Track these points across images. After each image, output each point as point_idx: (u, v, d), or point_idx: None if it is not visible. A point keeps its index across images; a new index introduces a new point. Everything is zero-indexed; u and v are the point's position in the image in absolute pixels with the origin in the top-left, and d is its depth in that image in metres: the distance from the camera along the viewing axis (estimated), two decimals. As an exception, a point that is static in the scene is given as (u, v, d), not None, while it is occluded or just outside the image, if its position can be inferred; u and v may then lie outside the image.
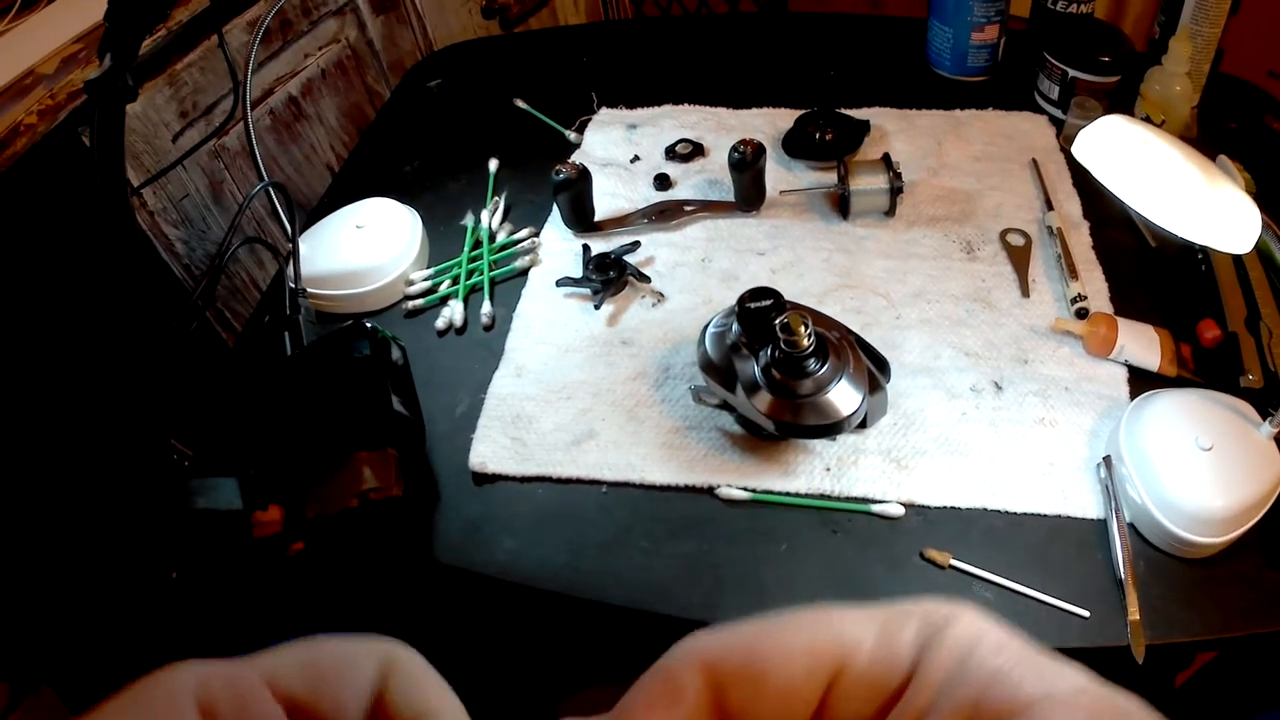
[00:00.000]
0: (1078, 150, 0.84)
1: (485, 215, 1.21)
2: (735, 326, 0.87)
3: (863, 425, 0.88)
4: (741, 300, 0.86)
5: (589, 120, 1.38)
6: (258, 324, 1.21)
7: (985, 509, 0.84)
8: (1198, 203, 0.72)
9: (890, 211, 1.13)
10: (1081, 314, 0.98)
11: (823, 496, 0.87)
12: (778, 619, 0.24)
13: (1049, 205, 1.11)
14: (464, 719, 0.27)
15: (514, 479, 0.92)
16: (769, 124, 1.32)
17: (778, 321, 0.80)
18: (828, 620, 0.23)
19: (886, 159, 1.12)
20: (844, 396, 0.82)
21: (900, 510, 0.84)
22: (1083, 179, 1.15)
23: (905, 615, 0.23)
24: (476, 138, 1.38)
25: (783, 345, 0.81)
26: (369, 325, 0.91)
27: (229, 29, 1.43)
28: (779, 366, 0.83)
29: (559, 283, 1.10)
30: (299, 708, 0.26)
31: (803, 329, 0.80)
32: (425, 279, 1.14)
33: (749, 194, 1.15)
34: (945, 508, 0.85)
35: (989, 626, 0.22)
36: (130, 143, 1.32)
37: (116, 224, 1.00)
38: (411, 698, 0.27)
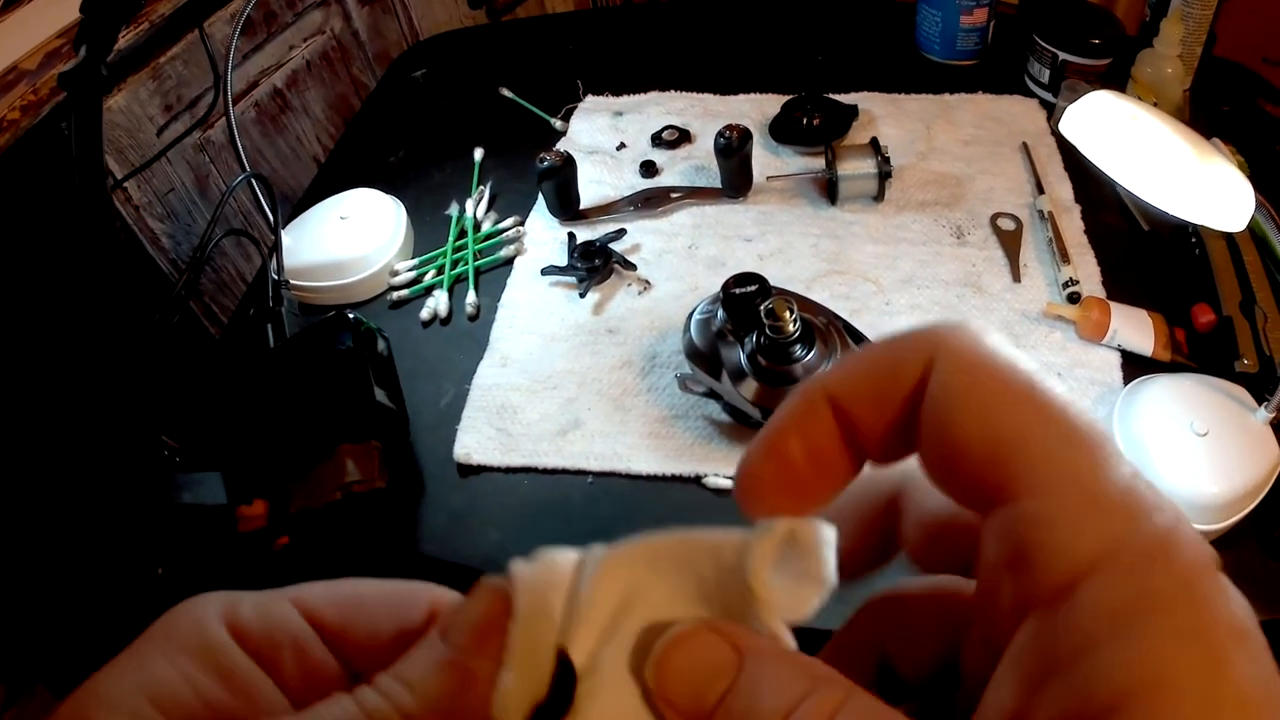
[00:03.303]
0: (1065, 127, 0.83)
1: (470, 204, 1.19)
2: (720, 313, 0.86)
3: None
4: (726, 286, 0.85)
5: (575, 108, 1.36)
6: (243, 317, 1.20)
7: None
8: (1188, 179, 0.71)
9: (879, 196, 1.11)
10: (1073, 298, 0.97)
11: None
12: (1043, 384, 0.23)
13: (1040, 189, 1.10)
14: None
15: (499, 470, 0.91)
16: (756, 109, 1.31)
17: (762, 307, 0.79)
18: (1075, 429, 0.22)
19: (875, 144, 1.10)
20: (832, 383, 0.81)
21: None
22: (1074, 162, 1.13)
23: (1123, 505, 0.20)
24: (462, 127, 1.37)
25: (768, 331, 0.80)
26: (352, 316, 0.90)
27: (213, 21, 1.42)
28: (765, 353, 0.82)
29: (544, 271, 1.09)
30: (330, 633, 0.27)
31: (788, 314, 0.78)
32: (410, 269, 1.12)
33: (736, 180, 1.14)
34: (935, 495, 0.83)
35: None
36: (114, 137, 1.31)
37: (95, 217, 0.99)
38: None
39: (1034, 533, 0.20)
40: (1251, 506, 0.77)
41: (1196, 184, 0.71)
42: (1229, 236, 0.99)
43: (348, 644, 0.27)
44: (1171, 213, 0.72)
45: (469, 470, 0.92)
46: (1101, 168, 0.78)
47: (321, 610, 0.27)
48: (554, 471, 0.90)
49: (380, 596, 0.28)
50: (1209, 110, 1.20)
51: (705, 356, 0.87)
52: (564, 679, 0.25)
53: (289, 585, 0.28)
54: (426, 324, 1.07)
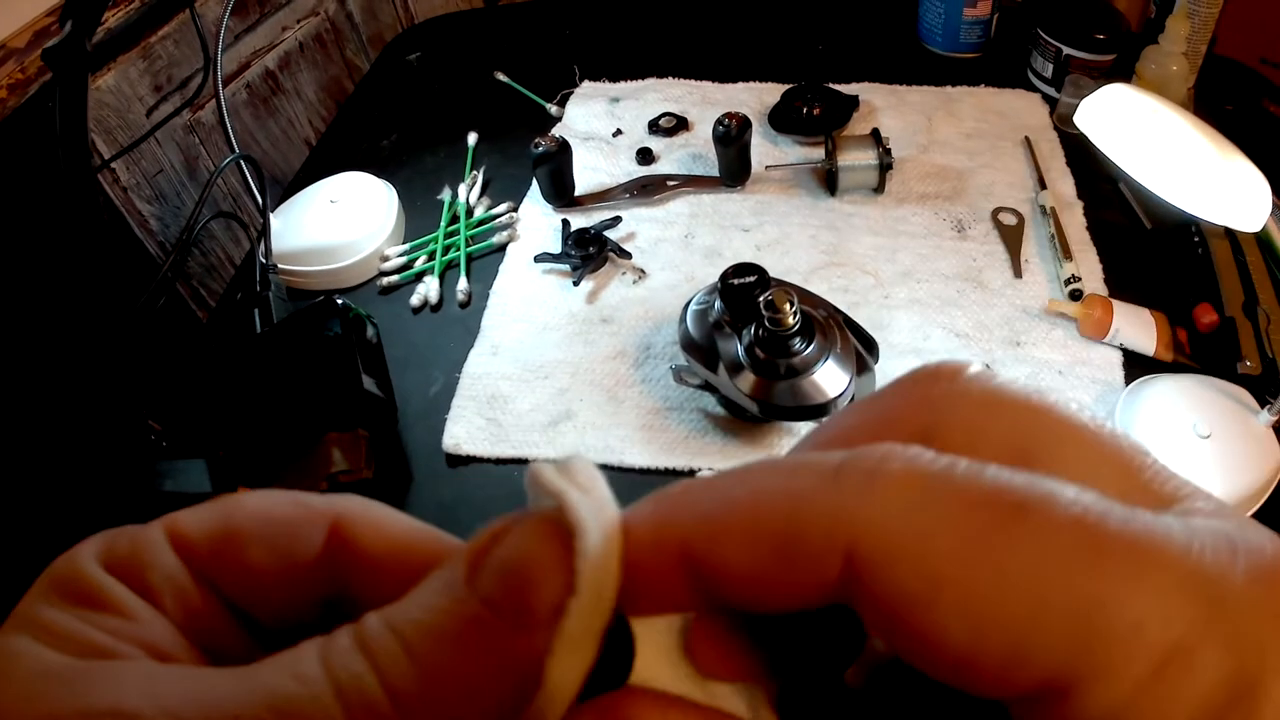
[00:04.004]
0: (1080, 120, 0.82)
1: (463, 190, 1.17)
2: (718, 304, 0.84)
3: (849, 407, 0.86)
4: (725, 276, 0.84)
5: (570, 93, 1.35)
6: (230, 301, 1.18)
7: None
8: (1208, 176, 0.69)
9: (879, 188, 1.10)
10: (1075, 296, 0.96)
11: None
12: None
13: (1042, 184, 1.09)
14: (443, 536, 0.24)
15: (489, 461, 0.89)
16: (755, 98, 1.29)
17: (762, 298, 0.78)
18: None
19: (876, 135, 1.09)
20: (830, 377, 0.79)
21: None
22: (1076, 158, 1.12)
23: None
24: (456, 111, 1.35)
25: (767, 323, 0.78)
26: (340, 302, 0.88)
27: (205, 1, 1.39)
28: (763, 345, 0.80)
29: (537, 259, 1.07)
30: (202, 567, 0.23)
31: (788, 306, 0.77)
32: (400, 255, 1.10)
33: (734, 169, 1.12)
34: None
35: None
36: (103, 117, 1.29)
37: (80, 197, 0.97)
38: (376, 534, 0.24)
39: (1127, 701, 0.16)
40: (1254, 510, 0.76)
41: (1216, 181, 0.69)
42: (1232, 236, 0.98)
43: (223, 582, 0.23)
44: (1188, 210, 0.70)
45: (458, 461, 0.90)
46: (1116, 161, 0.76)
47: (196, 544, 0.23)
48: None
49: (263, 523, 0.23)
50: (1212, 109, 1.19)
51: (701, 348, 0.85)
52: (616, 640, 0.20)
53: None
54: (417, 310, 1.05)
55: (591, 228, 1.08)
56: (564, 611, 0.18)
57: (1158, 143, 0.73)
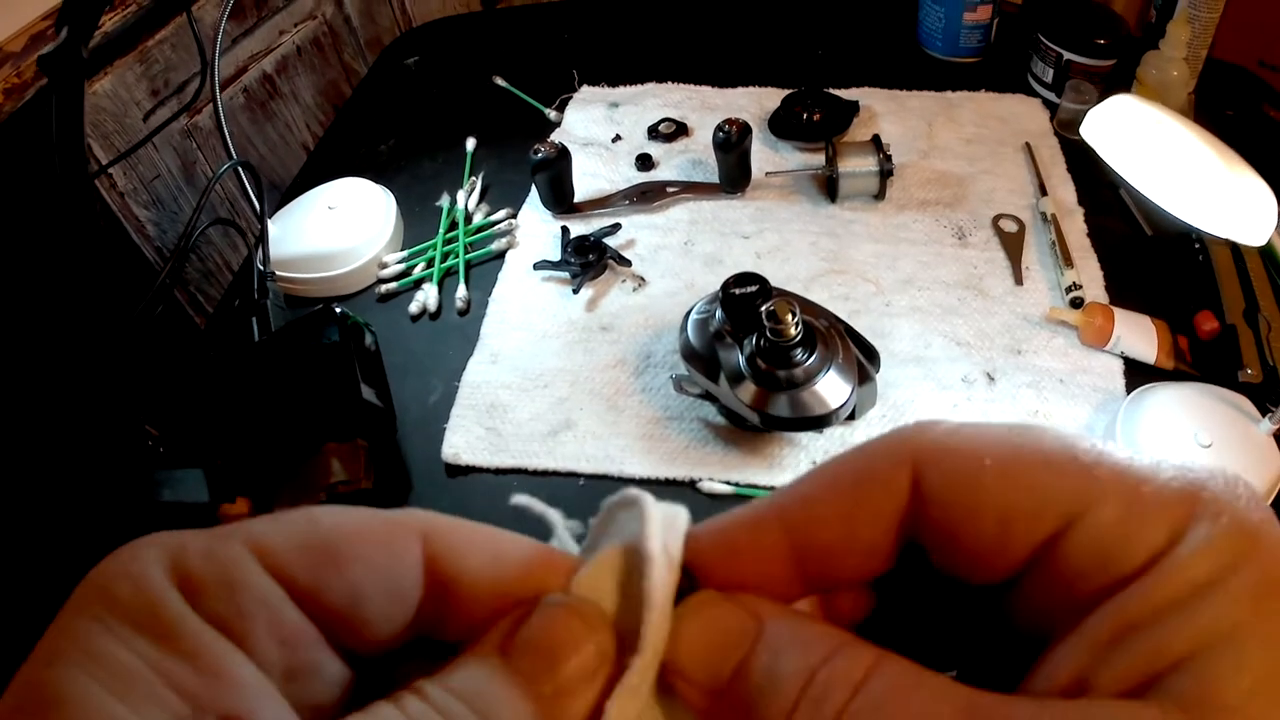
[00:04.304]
0: (1086, 131, 0.81)
1: (461, 196, 1.17)
2: (719, 313, 0.84)
3: (851, 418, 0.85)
4: (726, 286, 0.83)
5: (570, 98, 1.34)
6: (228, 308, 1.18)
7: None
8: (1217, 191, 0.69)
9: (880, 195, 1.09)
10: (1076, 303, 0.95)
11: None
12: (1020, 430, 0.23)
13: (1043, 190, 1.08)
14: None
15: (488, 470, 0.89)
16: (755, 103, 1.28)
17: (764, 309, 0.77)
18: (1074, 453, 0.22)
19: (876, 141, 1.08)
20: (832, 388, 0.79)
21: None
22: (1077, 164, 1.12)
23: (1182, 494, 0.21)
24: (454, 116, 1.35)
25: (768, 334, 0.78)
26: (338, 310, 0.88)
27: (203, 4, 1.39)
28: (764, 356, 0.79)
29: (537, 266, 1.06)
30: (300, 592, 0.21)
31: (790, 317, 0.76)
32: (399, 262, 1.10)
33: (734, 175, 1.12)
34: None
35: None
36: (100, 122, 1.28)
37: (77, 203, 0.96)
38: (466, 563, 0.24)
39: (1108, 534, 0.20)
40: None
41: (1223, 195, 0.69)
42: (1233, 244, 0.97)
43: (321, 607, 0.21)
44: (1194, 224, 0.70)
45: (457, 470, 0.89)
46: (1123, 175, 0.75)
47: (289, 563, 0.21)
48: (545, 474, 0.88)
49: (359, 541, 0.22)
50: (1213, 114, 1.19)
51: (702, 358, 0.85)
52: None
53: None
54: (415, 318, 1.05)
55: (591, 235, 1.08)
56: (628, 667, 0.22)
57: (1164, 156, 0.73)
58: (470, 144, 1.26)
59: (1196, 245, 1.00)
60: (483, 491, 0.88)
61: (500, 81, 1.38)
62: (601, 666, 0.22)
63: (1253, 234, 0.67)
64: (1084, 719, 0.18)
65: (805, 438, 0.87)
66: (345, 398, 0.84)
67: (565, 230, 1.10)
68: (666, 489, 0.85)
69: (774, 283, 0.84)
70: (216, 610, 0.20)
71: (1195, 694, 0.18)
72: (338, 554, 0.22)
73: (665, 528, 0.24)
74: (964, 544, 0.22)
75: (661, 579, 0.23)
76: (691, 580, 0.24)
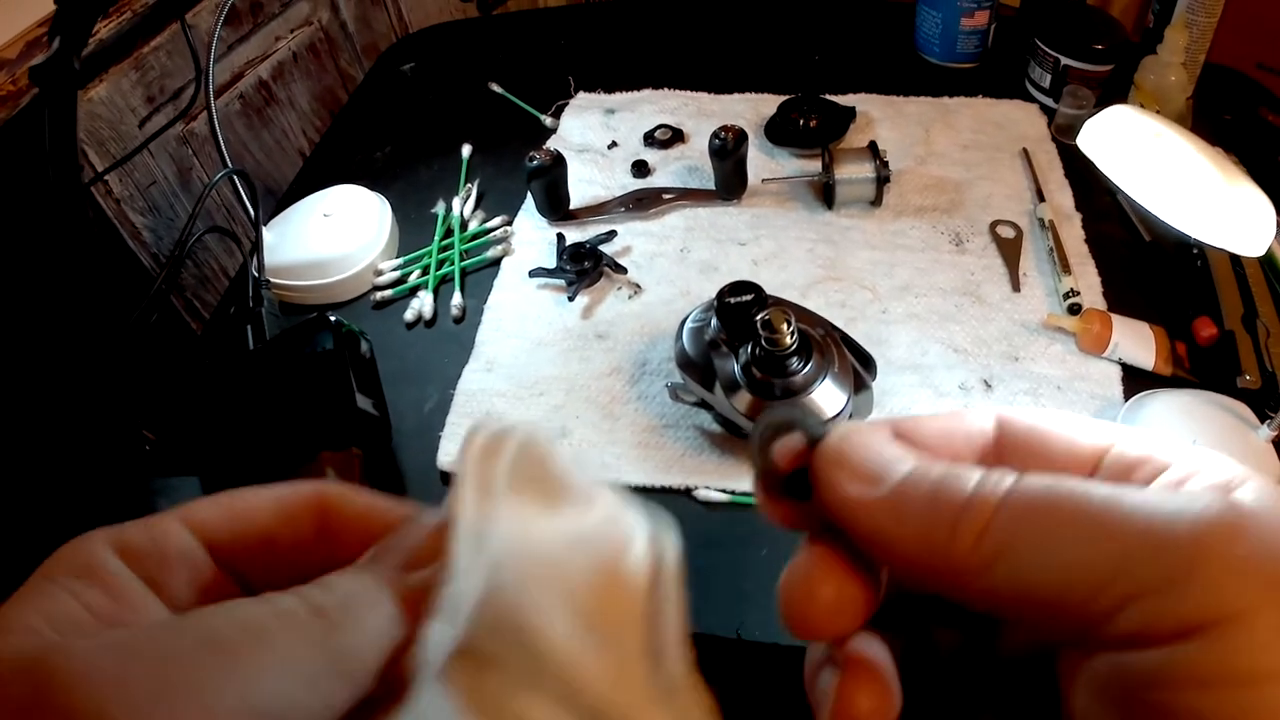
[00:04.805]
0: (1083, 142, 0.81)
1: (457, 203, 1.17)
2: (714, 322, 0.84)
3: (847, 425, 0.85)
4: (721, 295, 0.83)
5: (565, 105, 1.34)
6: (224, 314, 1.17)
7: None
8: (1215, 202, 0.68)
9: (876, 201, 1.09)
10: (1074, 310, 0.95)
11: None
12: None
13: (1040, 196, 1.08)
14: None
15: (484, 479, 0.88)
16: (751, 110, 1.28)
17: (759, 318, 0.77)
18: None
19: (873, 147, 1.08)
20: (828, 396, 0.79)
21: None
22: (1075, 170, 1.12)
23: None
24: (450, 123, 1.34)
25: (764, 343, 0.77)
26: (333, 318, 0.87)
27: (198, 11, 1.39)
28: (760, 365, 0.79)
29: (532, 273, 1.06)
30: (220, 548, 0.27)
31: (785, 326, 0.76)
32: (394, 269, 1.10)
33: (730, 182, 1.11)
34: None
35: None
36: (95, 128, 1.28)
37: (70, 213, 0.96)
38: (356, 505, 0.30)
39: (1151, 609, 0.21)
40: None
41: (1220, 207, 0.68)
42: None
43: (239, 559, 0.27)
44: (1192, 235, 0.70)
45: (453, 479, 0.89)
46: (1120, 186, 0.75)
47: (211, 526, 0.27)
48: (540, 481, 0.87)
49: (268, 504, 0.28)
50: (1211, 119, 1.19)
51: (697, 366, 0.84)
52: None
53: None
54: (410, 326, 1.04)
55: (586, 242, 1.07)
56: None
57: (1161, 167, 0.72)
58: (466, 151, 1.26)
59: (1195, 251, 0.99)
60: (478, 500, 0.87)
61: (496, 88, 1.38)
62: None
63: (1251, 245, 0.67)
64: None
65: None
66: (340, 406, 0.84)
67: (561, 237, 1.10)
68: (662, 497, 0.85)
69: (770, 290, 0.84)
70: (145, 566, 0.25)
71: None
72: (253, 517, 0.28)
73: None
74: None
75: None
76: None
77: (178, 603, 0.25)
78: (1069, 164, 1.13)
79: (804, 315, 0.84)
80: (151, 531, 0.26)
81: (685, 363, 0.86)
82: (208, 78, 1.07)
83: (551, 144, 1.24)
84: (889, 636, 0.28)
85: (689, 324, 0.88)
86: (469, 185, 1.20)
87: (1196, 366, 0.90)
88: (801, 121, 1.20)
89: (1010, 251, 1.03)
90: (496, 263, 1.10)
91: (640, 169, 1.19)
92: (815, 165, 1.14)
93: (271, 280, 1.01)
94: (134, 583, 0.24)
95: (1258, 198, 0.68)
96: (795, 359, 0.78)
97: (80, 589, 0.23)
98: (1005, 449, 0.28)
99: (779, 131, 1.21)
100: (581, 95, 1.36)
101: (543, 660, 0.24)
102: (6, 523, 1.13)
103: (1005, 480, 0.24)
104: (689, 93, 1.34)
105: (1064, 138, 1.16)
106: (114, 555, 0.25)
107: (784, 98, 1.26)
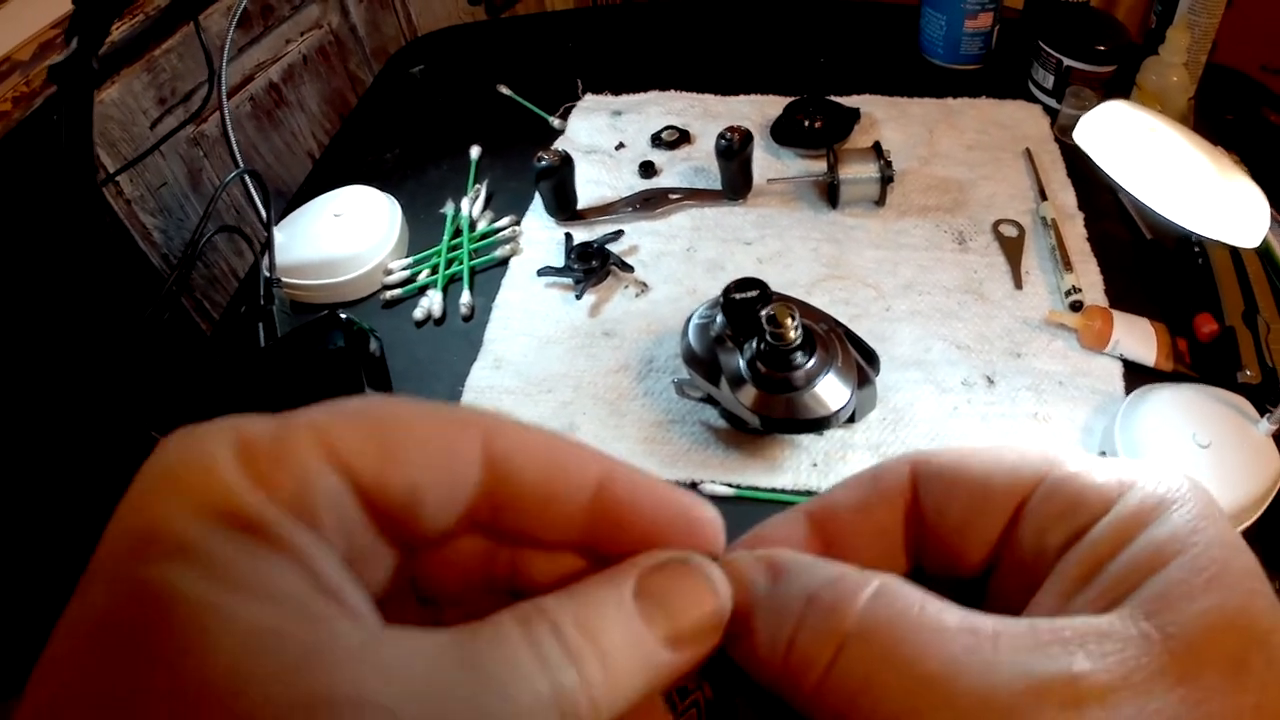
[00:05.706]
0: (1079, 137, 0.82)
1: (466, 203, 1.18)
2: (720, 318, 0.85)
3: (851, 420, 0.86)
4: (727, 291, 0.84)
5: (573, 106, 1.35)
6: (234, 314, 1.18)
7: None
8: (1210, 194, 0.69)
9: (880, 201, 1.10)
10: (1076, 307, 0.96)
11: (809, 493, 0.84)
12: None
13: (1043, 196, 1.09)
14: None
15: (492, 474, 0.89)
16: (757, 111, 1.29)
17: (764, 313, 0.78)
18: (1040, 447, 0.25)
19: (877, 147, 1.09)
20: (832, 391, 0.80)
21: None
22: (1077, 169, 1.13)
23: (1120, 462, 0.24)
24: (459, 125, 1.35)
25: (769, 338, 0.78)
26: (344, 316, 0.88)
27: (210, 13, 1.40)
28: (765, 360, 0.80)
29: (540, 272, 1.07)
30: (367, 488, 0.21)
31: (790, 321, 0.77)
32: (404, 268, 1.11)
33: (736, 182, 1.12)
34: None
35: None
36: (107, 130, 1.29)
37: (85, 211, 0.97)
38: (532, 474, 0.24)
39: (1068, 486, 0.24)
40: (1253, 519, 0.76)
41: (1217, 199, 0.69)
42: (1232, 246, 0.98)
43: (381, 500, 0.21)
44: (1187, 227, 0.71)
45: (462, 474, 0.90)
46: (1116, 179, 0.76)
47: (354, 460, 0.21)
48: (548, 476, 0.88)
49: (422, 437, 0.22)
50: (1213, 119, 1.19)
51: (703, 362, 0.86)
52: None
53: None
54: (420, 324, 1.05)
55: (594, 241, 1.08)
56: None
57: (1157, 160, 0.73)
58: (475, 152, 1.27)
59: (1196, 248, 1.00)
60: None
61: (504, 90, 1.39)
62: (716, 630, 0.23)
63: (1246, 236, 0.68)
64: (1058, 629, 0.20)
65: (805, 440, 0.88)
66: (351, 403, 0.85)
67: (569, 237, 1.11)
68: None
69: (775, 288, 0.85)
70: (291, 508, 0.19)
71: (1155, 596, 0.20)
72: (400, 450, 0.21)
73: None
74: (951, 517, 0.26)
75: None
76: None
77: (338, 551, 0.20)
78: (1071, 164, 1.14)
79: (808, 311, 0.85)
80: (286, 453, 0.20)
81: (691, 358, 0.87)
82: (221, 79, 1.08)
83: (559, 145, 1.25)
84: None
85: (695, 320, 0.89)
86: (478, 186, 1.21)
87: (1197, 362, 0.91)
88: (806, 122, 1.21)
89: (1013, 250, 1.04)
90: (505, 262, 1.11)
91: (647, 169, 1.20)
92: (820, 165, 1.15)
93: (282, 279, 1.02)
94: (300, 533, 0.19)
95: (1251, 189, 0.69)
96: (800, 354, 0.79)
97: (238, 541, 0.18)
98: (922, 499, 0.26)
99: (784, 132, 1.22)
100: (589, 97, 1.37)
101: None
102: (15, 523, 1.14)
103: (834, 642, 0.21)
104: (695, 94, 1.35)
105: (1067, 138, 1.17)
106: (251, 484, 0.19)
107: (789, 99, 1.27)
